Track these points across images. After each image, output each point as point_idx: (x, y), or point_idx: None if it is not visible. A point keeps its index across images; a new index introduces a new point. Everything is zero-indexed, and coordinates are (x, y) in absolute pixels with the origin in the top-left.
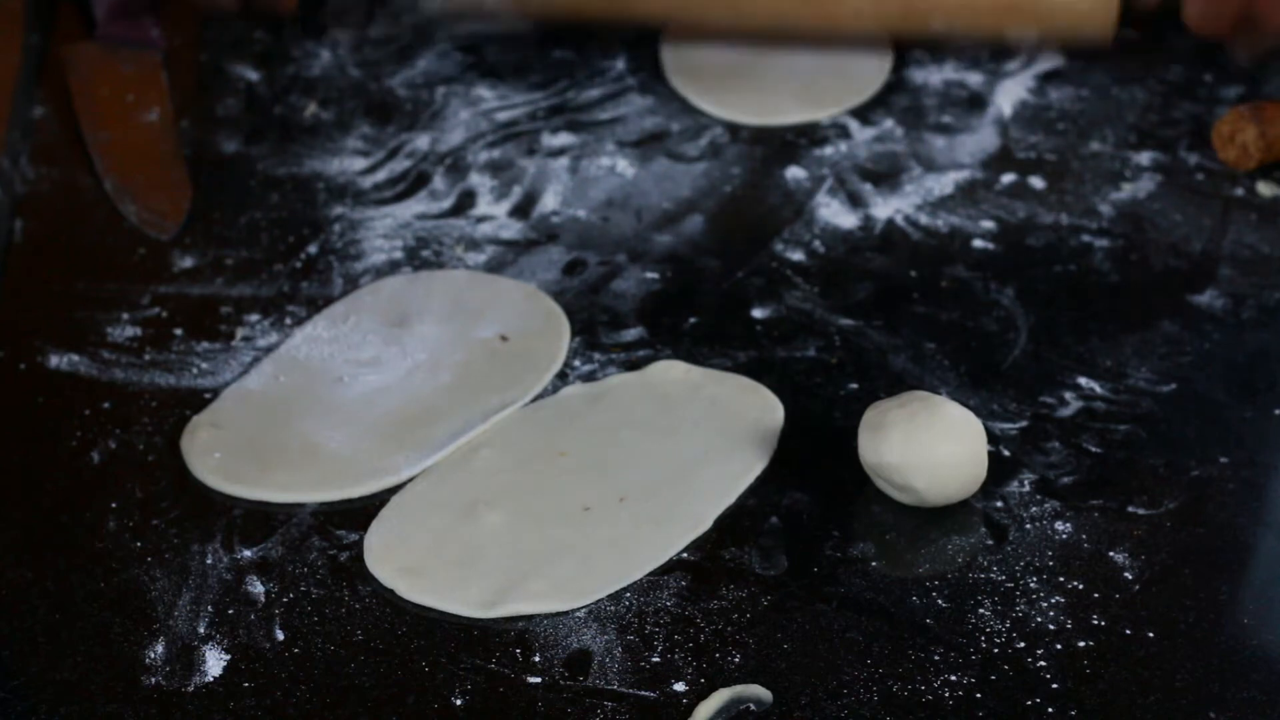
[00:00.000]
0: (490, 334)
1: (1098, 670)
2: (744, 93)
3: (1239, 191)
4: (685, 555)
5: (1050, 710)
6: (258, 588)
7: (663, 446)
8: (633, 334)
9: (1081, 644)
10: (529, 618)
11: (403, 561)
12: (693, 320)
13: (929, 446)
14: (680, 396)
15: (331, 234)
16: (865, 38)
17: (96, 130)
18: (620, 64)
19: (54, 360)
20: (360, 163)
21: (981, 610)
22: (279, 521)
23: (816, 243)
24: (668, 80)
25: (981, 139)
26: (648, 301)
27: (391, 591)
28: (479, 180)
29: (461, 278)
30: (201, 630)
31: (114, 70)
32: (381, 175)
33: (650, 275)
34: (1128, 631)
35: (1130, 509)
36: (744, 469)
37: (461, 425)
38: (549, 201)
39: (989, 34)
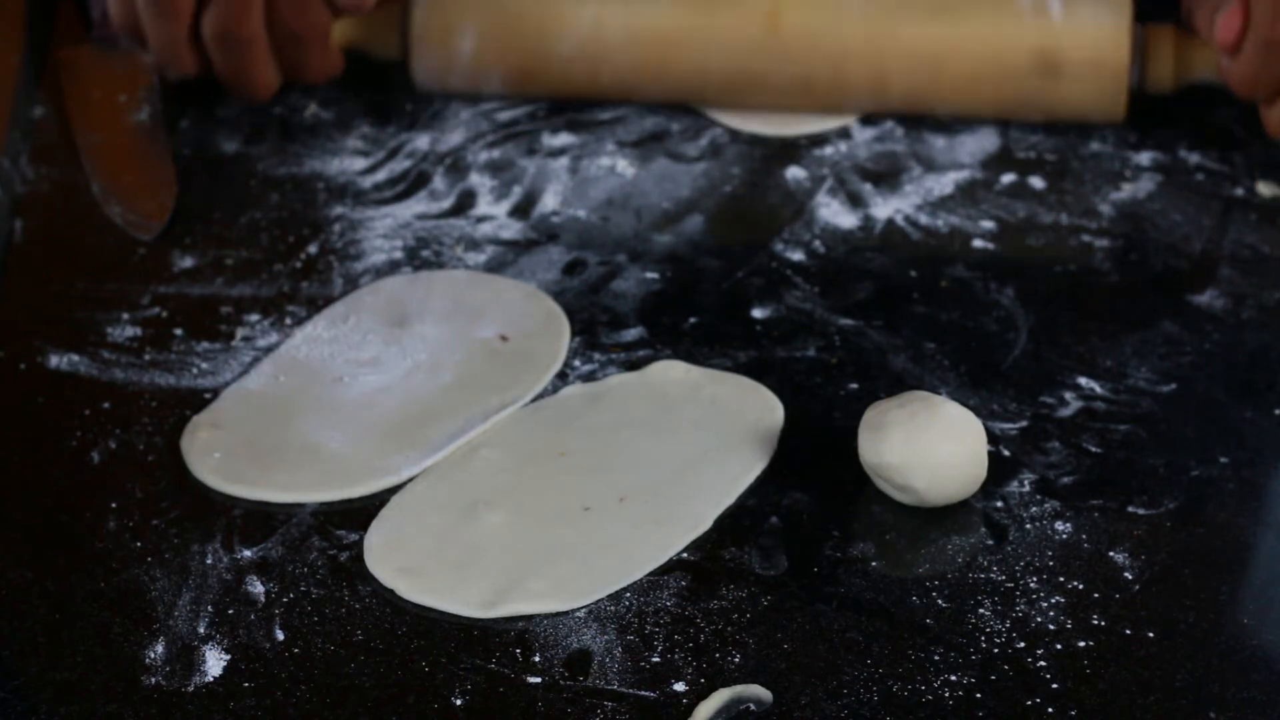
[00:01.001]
0: (490, 334)
1: (1098, 670)
2: None
3: (1239, 191)
4: (685, 555)
5: (1050, 710)
6: (258, 588)
7: (663, 446)
8: (633, 334)
9: (1081, 644)
10: (529, 618)
11: (403, 561)
12: (693, 320)
13: (929, 446)
14: (680, 396)
15: (331, 234)
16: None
17: (87, 134)
18: None
19: (54, 360)
20: (360, 163)
21: (981, 610)
22: (279, 521)
23: (816, 243)
24: None
25: (981, 139)
26: (648, 301)
27: (391, 591)
28: (479, 180)
29: (461, 278)
30: (201, 630)
31: (107, 72)
32: (381, 175)
33: (650, 275)
34: (1128, 631)
35: (1130, 509)
36: (744, 469)
37: (461, 425)
38: (549, 201)
39: (996, 117)
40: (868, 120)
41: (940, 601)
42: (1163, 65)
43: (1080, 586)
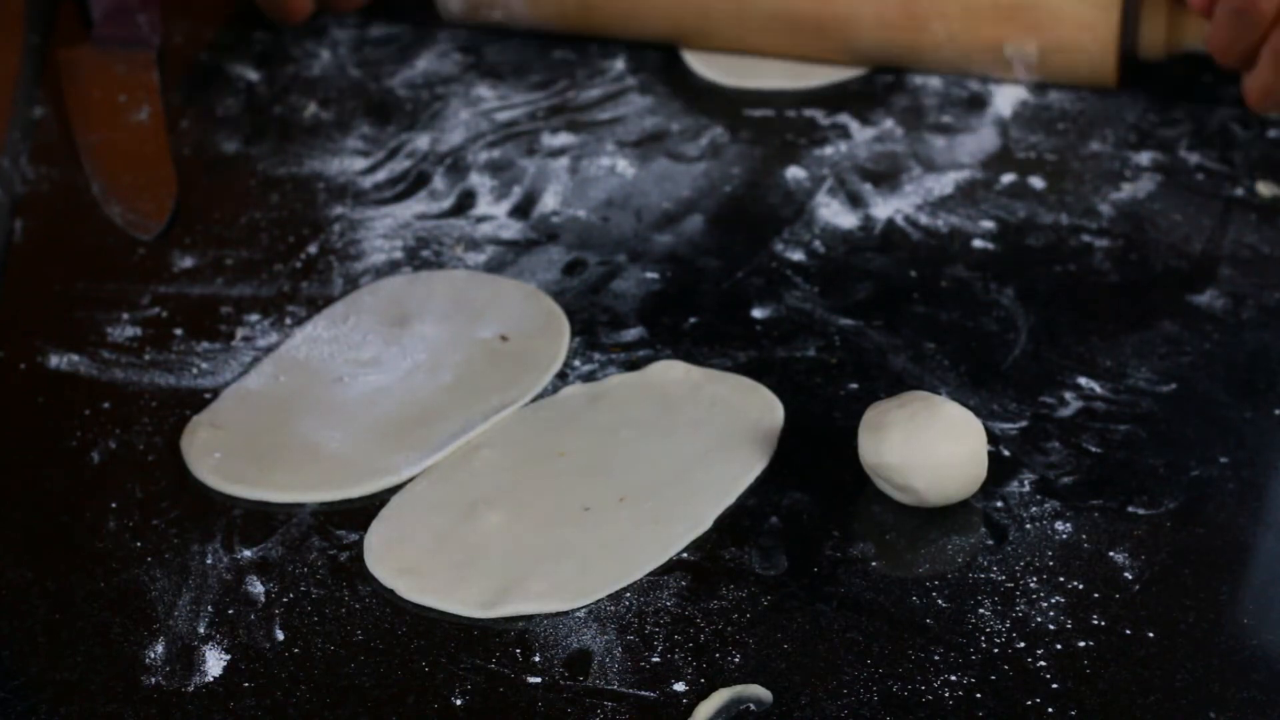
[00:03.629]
0: (490, 334)
1: (1098, 670)
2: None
3: (1239, 191)
4: (685, 555)
5: (1050, 710)
6: (258, 588)
7: (663, 446)
8: (633, 334)
9: (1081, 644)
10: (529, 618)
11: (403, 561)
12: (693, 320)
13: (929, 446)
14: (680, 396)
15: (331, 234)
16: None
17: (87, 134)
18: (620, 64)
19: (54, 360)
20: (360, 163)
21: (981, 610)
22: (279, 521)
23: (816, 243)
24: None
25: (981, 139)
26: (648, 301)
27: (391, 591)
28: (479, 180)
29: (461, 278)
30: (201, 630)
31: (107, 72)
32: (381, 175)
33: (650, 275)
34: (1128, 631)
35: (1130, 509)
36: (744, 469)
37: (461, 425)
38: (549, 201)
39: (982, 75)
40: (867, 120)
41: (940, 601)
42: (1155, 32)
43: (1080, 586)
